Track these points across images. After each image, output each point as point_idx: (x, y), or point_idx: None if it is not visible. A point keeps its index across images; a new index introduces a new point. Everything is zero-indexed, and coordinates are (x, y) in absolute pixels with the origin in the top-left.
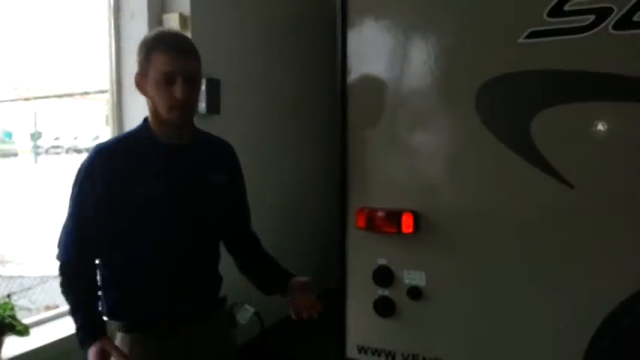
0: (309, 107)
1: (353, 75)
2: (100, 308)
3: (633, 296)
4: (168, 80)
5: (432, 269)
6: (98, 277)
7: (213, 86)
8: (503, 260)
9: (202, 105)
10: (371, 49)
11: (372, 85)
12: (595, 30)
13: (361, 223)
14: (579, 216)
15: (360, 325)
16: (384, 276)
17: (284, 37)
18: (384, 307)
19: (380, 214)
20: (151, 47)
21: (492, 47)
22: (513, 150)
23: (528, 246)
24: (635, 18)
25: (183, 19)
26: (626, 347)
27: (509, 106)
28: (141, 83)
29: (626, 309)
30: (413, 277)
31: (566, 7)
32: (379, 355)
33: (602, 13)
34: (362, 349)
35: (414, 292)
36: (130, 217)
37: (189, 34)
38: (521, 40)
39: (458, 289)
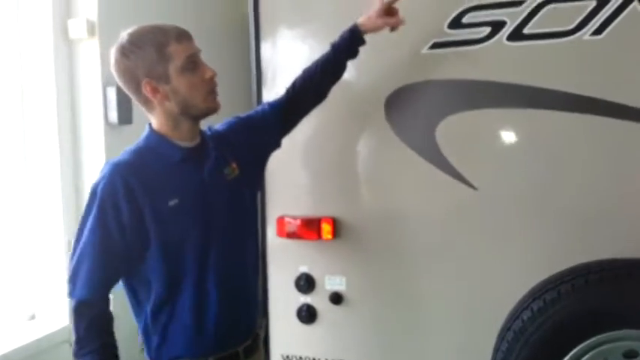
0: (225, 116)
1: (268, 85)
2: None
3: (531, 291)
4: (194, 64)
5: (352, 273)
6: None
7: (125, 96)
8: (416, 262)
9: (114, 115)
10: (285, 59)
11: None
12: (491, 41)
13: (281, 231)
14: (482, 216)
15: (284, 334)
16: (305, 283)
17: (198, 46)
18: (307, 314)
19: (299, 222)
20: (161, 43)
21: (399, 58)
22: (422, 156)
23: (439, 247)
24: (525, 30)
25: (90, 25)
26: (527, 339)
27: (416, 114)
28: (156, 90)
29: (526, 303)
30: (334, 282)
31: (465, 20)
32: None
33: (497, 26)
34: (287, 358)
35: (335, 297)
36: (170, 234)
37: (96, 41)
38: (424, 50)
39: (376, 291)
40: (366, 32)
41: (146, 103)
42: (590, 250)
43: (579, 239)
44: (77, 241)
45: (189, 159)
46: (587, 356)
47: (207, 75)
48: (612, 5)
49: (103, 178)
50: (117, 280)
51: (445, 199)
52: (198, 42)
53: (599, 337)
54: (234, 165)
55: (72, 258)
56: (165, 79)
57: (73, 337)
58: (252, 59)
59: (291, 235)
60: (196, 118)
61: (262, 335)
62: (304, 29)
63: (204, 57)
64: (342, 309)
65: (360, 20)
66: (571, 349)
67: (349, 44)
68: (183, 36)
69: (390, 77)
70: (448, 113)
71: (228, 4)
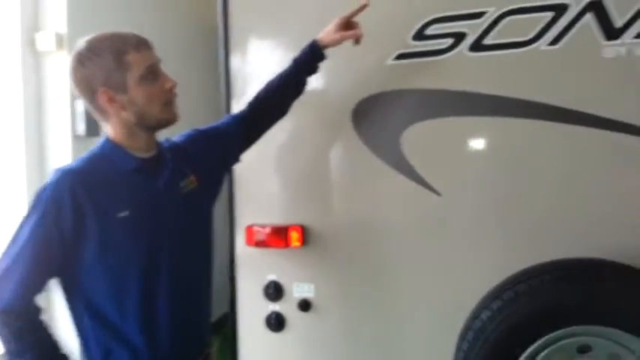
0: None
1: (237, 96)
2: None
3: (491, 292)
4: (154, 75)
5: (321, 280)
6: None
7: None
8: (383, 267)
9: (82, 127)
10: (254, 70)
11: None
12: (453, 52)
13: (250, 240)
14: (446, 221)
15: (253, 342)
16: (274, 291)
17: (167, 57)
18: (276, 322)
19: (268, 230)
20: (119, 51)
21: (366, 69)
22: (388, 163)
23: (406, 253)
24: (485, 41)
25: (59, 37)
26: (487, 338)
27: (383, 123)
28: (113, 99)
29: (486, 303)
30: (302, 289)
31: (428, 32)
32: None
33: (458, 37)
34: None
35: (304, 304)
36: (117, 246)
37: (64, 54)
38: (390, 61)
39: (344, 297)
40: (325, 47)
41: (102, 112)
42: (546, 251)
43: (536, 241)
44: (10, 245)
45: (144, 170)
46: (544, 353)
47: (167, 85)
48: (567, 17)
49: (50, 184)
50: (39, 291)
51: (411, 205)
52: (167, 53)
53: (554, 333)
54: (192, 177)
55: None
56: (122, 88)
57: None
58: (222, 70)
59: (259, 244)
60: (153, 129)
61: (214, 354)
62: (274, 40)
63: (174, 68)
64: (311, 316)
65: (320, 35)
66: (528, 347)
67: (309, 60)
68: (142, 44)
69: (357, 87)
70: (413, 122)
71: (197, 15)
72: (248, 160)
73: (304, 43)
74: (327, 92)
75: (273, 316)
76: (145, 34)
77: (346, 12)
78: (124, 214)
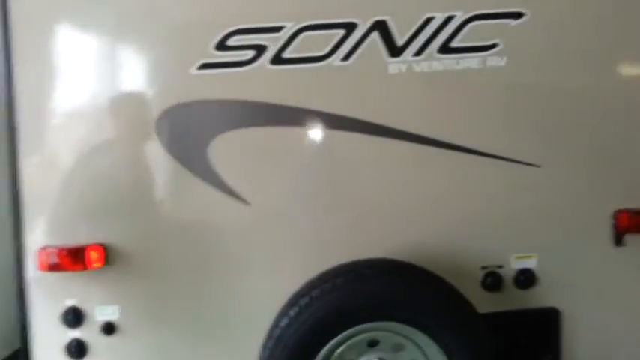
0: None
1: (24, 109)
2: None
3: (289, 299)
4: None
5: (126, 300)
6: None
7: None
8: (192, 280)
9: None
10: (42, 84)
11: (46, 118)
12: (255, 64)
13: (43, 264)
14: (255, 230)
15: None
16: (74, 317)
17: None
18: (77, 350)
19: (64, 252)
20: None
21: (169, 77)
22: (196, 175)
23: (215, 264)
24: (285, 55)
25: None
26: (285, 344)
27: (188, 133)
28: None
29: (284, 311)
30: (106, 312)
31: (230, 43)
32: None
33: (260, 50)
34: None
35: (108, 328)
36: None
37: None
38: (193, 71)
39: (152, 315)
40: None
41: None
42: (353, 254)
43: (334, 247)
44: None
45: None
46: (339, 350)
47: None
48: (356, 35)
49: None
50: None
51: (220, 216)
52: None
53: (346, 332)
54: None
55: None
56: None
57: None
58: (4, 84)
59: (54, 268)
60: None
61: None
62: (62, 53)
63: None
64: (116, 338)
65: None
66: (323, 347)
67: None
68: None
69: (161, 97)
70: (219, 132)
71: None
72: (38, 174)
73: (94, 54)
74: (129, 101)
75: (74, 343)
76: None
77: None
78: None
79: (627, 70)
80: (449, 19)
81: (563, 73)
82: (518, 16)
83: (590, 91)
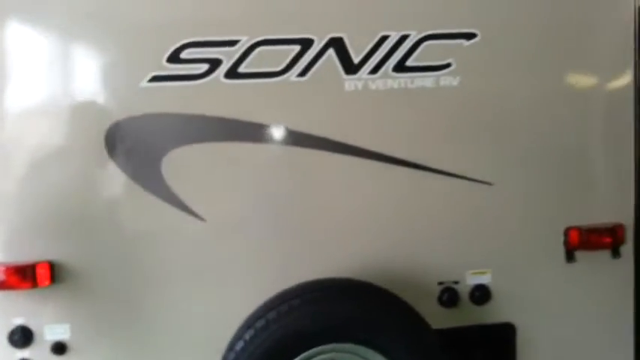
0: None
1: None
2: None
3: (244, 322)
4: None
5: (77, 319)
6: None
7: None
8: (144, 298)
9: None
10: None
11: None
12: (209, 78)
13: None
14: (210, 247)
15: None
16: (22, 337)
17: None
18: None
19: (10, 269)
20: None
21: (118, 90)
22: (148, 190)
23: (168, 281)
24: (240, 69)
25: None
26: None
27: (140, 147)
28: None
29: (239, 334)
30: (56, 331)
31: (183, 55)
32: None
33: (214, 63)
34: None
35: (59, 348)
36: None
37: None
38: (144, 84)
39: (104, 333)
40: None
41: None
42: (298, 274)
43: (291, 265)
44: None
45: None
46: None
47: None
48: (312, 51)
49: None
50: None
51: (174, 233)
52: None
53: (302, 355)
54: None
55: None
56: None
57: None
58: None
59: (1, 286)
60: None
61: None
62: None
63: None
64: (67, 359)
65: None
66: None
67: None
68: None
69: (110, 110)
70: (173, 147)
71: None
72: None
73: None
74: (77, 113)
75: None
76: None
77: None
78: None
79: (577, 86)
80: (403, 38)
81: (515, 93)
82: (471, 36)
83: (542, 109)
